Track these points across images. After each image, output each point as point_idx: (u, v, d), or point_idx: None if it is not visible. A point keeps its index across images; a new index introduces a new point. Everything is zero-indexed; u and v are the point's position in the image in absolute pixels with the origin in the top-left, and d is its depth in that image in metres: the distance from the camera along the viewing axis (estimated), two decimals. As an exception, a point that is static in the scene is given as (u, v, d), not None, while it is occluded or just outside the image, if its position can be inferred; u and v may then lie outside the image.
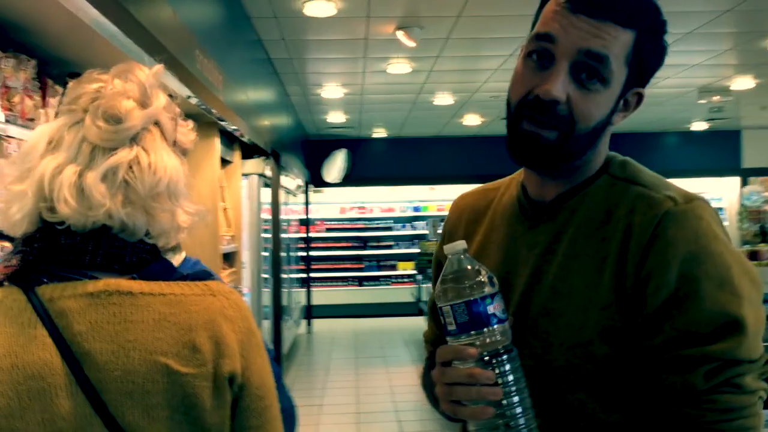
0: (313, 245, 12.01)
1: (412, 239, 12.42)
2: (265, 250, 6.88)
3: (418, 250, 10.14)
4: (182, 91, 3.29)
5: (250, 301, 6.35)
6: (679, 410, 0.94)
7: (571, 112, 1.01)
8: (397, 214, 12.82)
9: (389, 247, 12.66)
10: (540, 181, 1.12)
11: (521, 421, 0.91)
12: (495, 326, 0.92)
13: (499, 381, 0.91)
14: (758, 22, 5.76)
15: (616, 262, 0.99)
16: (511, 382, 0.91)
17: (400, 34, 5.40)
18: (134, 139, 1.03)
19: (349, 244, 12.65)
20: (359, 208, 12.84)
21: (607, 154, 1.13)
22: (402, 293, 11.41)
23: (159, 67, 1.11)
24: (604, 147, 1.11)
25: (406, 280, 12.01)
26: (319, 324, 11.35)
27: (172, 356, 0.97)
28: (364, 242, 12.71)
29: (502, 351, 0.92)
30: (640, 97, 1.08)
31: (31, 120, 2.54)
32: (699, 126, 11.35)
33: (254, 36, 5.53)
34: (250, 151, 6.22)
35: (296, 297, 10.55)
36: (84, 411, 0.94)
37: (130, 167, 1.01)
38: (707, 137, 11.86)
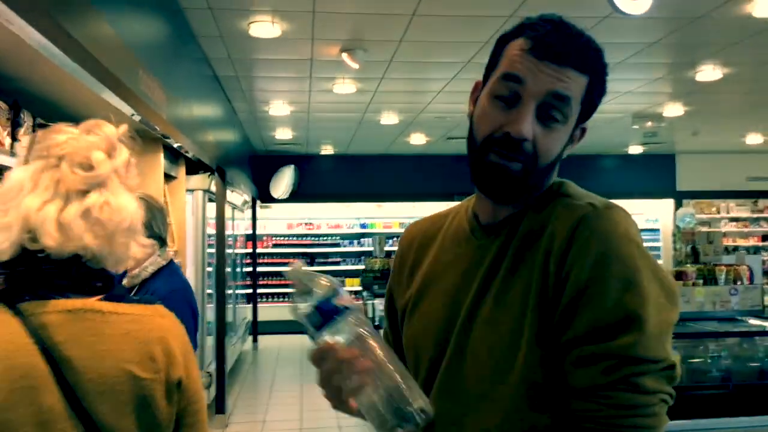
0: (260, 261, 11.99)
1: (359, 256, 12.52)
2: (210, 265, 6.89)
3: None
4: (125, 109, 3.35)
5: (192, 316, 6.35)
6: (581, 405, 1.01)
7: (535, 149, 1.11)
8: (344, 230, 12.92)
9: (337, 263, 12.74)
10: (493, 208, 1.20)
11: (397, 382, 1.01)
12: (345, 314, 1.02)
13: (366, 353, 1.01)
14: (684, 54, 6.09)
15: (542, 265, 1.06)
16: (377, 350, 1.02)
17: (345, 56, 5.54)
18: (101, 184, 1.25)
19: (296, 261, 12.66)
20: (307, 224, 12.90)
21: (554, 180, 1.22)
22: (348, 309, 11.46)
23: (125, 127, 1.35)
24: (553, 175, 1.21)
25: (353, 296, 12.07)
26: (265, 340, 11.32)
27: (135, 364, 1.21)
28: (311, 258, 12.75)
29: (358, 336, 1.03)
30: (583, 131, 1.19)
31: (-29, 135, 2.57)
32: (636, 149, 11.78)
33: (200, 54, 5.59)
34: (195, 167, 6.26)
35: (242, 313, 10.51)
36: (62, 406, 1.15)
37: (102, 208, 1.23)
38: (644, 160, 12.31)
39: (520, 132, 1.09)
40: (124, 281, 2.68)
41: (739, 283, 4.98)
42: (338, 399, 1.05)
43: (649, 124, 8.68)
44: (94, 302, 1.23)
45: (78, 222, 1.20)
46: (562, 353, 1.04)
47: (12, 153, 2.91)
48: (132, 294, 2.60)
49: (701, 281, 4.94)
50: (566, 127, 1.13)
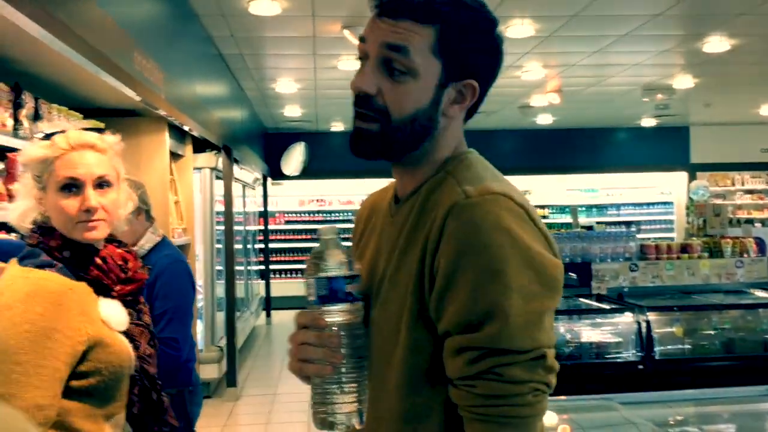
0: (272, 237, 12.09)
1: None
2: (219, 242, 6.98)
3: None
4: (123, 89, 3.40)
5: (203, 293, 6.46)
6: (454, 393, 1.03)
7: (386, 104, 1.10)
8: (356, 206, 12.96)
9: (348, 239, 12.79)
10: (399, 178, 1.21)
11: (353, 386, 1.06)
12: (349, 303, 1.06)
13: (343, 350, 1.05)
14: (692, 25, 6.03)
15: (422, 251, 1.07)
16: (353, 353, 1.06)
17: (347, 33, 5.55)
18: None
19: (309, 237, 12.77)
20: (318, 200, 12.96)
21: (457, 149, 1.18)
22: (361, 285, 11.55)
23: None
24: (448, 141, 1.17)
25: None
26: (278, 315, 11.46)
27: None
28: (323, 235, 12.81)
29: (351, 326, 1.07)
30: (473, 89, 1.14)
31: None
32: (648, 122, 11.68)
33: (203, 33, 5.62)
34: (203, 145, 6.32)
35: (255, 289, 10.64)
36: None
37: None
38: (657, 133, 12.20)
39: (356, 85, 1.11)
40: None
41: (745, 255, 4.98)
42: (295, 361, 1.09)
43: (659, 96, 8.60)
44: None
45: None
46: (439, 342, 1.05)
47: (15, 134, 2.98)
48: None
49: (707, 254, 4.95)
50: (421, 81, 1.10)
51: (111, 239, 1.69)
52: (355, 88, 1.12)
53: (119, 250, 1.69)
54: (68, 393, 1.46)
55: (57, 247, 1.56)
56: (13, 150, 2.98)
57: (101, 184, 1.62)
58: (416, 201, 1.16)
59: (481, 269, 1.00)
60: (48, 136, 1.65)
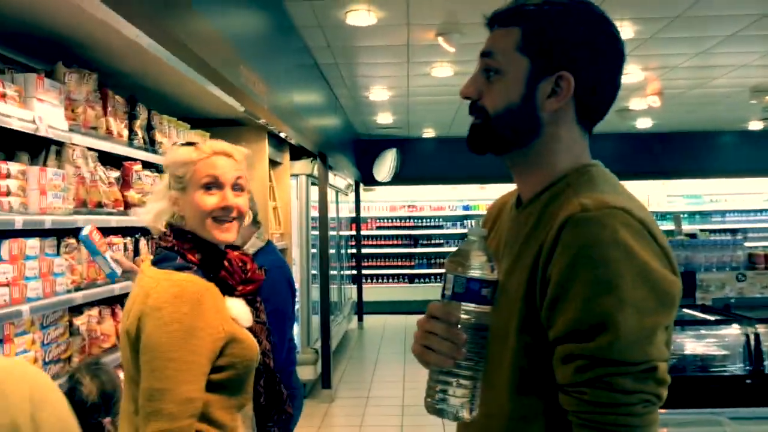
0: (364, 243, 12.26)
1: (462, 238, 12.54)
2: (314, 247, 7.16)
3: (465, 249, 10.26)
4: (229, 101, 3.57)
5: (299, 296, 6.64)
6: (564, 399, 1.06)
7: (484, 103, 1.20)
8: (447, 212, 12.97)
9: (440, 245, 12.82)
10: (519, 182, 1.26)
11: (468, 381, 1.10)
12: (482, 307, 1.10)
13: (465, 348, 1.09)
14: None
15: (534, 260, 1.11)
16: (474, 351, 1.10)
17: (441, 40, 5.58)
18: None
19: (400, 242, 12.87)
20: (410, 206, 13.04)
21: (581, 161, 1.20)
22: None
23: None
24: (564, 146, 1.19)
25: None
26: (370, 320, 11.60)
27: (125, 319, 1.63)
28: (414, 240, 12.90)
29: (478, 327, 1.10)
30: (568, 82, 1.15)
31: (94, 128, 2.83)
32: (756, 125, 11.11)
33: (301, 44, 5.79)
34: (298, 152, 6.51)
35: (348, 293, 10.82)
36: None
37: None
38: (764, 136, 11.58)
39: (461, 92, 1.24)
40: None
41: None
42: (418, 346, 1.14)
43: (768, 98, 8.17)
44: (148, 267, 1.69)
45: None
46: (549, 349, 1.09)
47: (130, 143, 3.18)
48: None
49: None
50: (508, 78, 1.18)
51: (228, 244, 1.80)
52: (461, 95, 1.23)
53: (236, 253, 1.81)
54: (208, 386, 1.59)
55: (189, 250, 1.69)
56: (129, 159, 3.18)
57: (237, 187, 1.75)
58: (535, 209, 1.19)
59: (596, 281, 1.03)
60: (188, 144, 1.80)
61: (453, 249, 9.42)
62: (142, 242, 3.31)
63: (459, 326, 1.09)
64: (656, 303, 1.03)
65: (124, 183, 3.13)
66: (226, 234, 1.72)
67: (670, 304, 1.06)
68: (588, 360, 1.02)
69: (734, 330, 3.71)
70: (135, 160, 3.23)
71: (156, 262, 1.68)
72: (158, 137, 3.53)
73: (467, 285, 1.08)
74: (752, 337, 3.63)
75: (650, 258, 1.05)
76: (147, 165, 3.38)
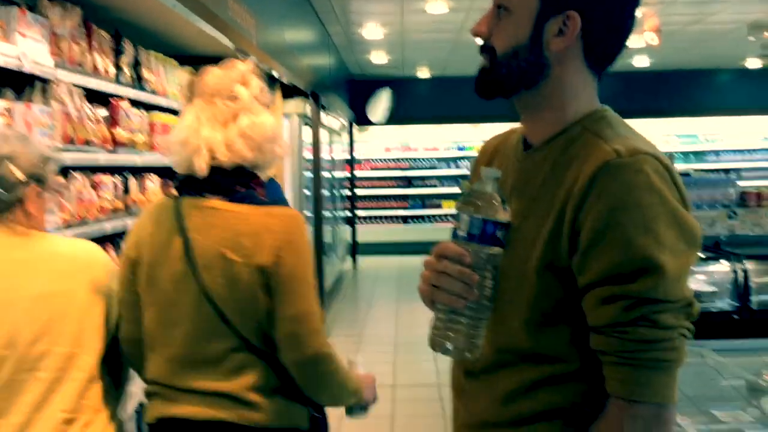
0: (358, 184, 12.25)
1: (456, 178, 12.54)
2: (307, 188, 7.14)
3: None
4: (218, 36, 3.49)
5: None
6: (602, 340, 1.08)
7: (491, 43, 1.19)
8: (441, 153, 12.91)
9: (433, 185, 12.81)
10: (528, 124, 1.25)
11: (476, 322, 1.11)
12: (495, 249, 1.10)
13: (479, 287, 1.10)
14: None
15: (561, 204, 1.11)
16: (485, 293, 1.11)
17: (435, -25, 5.45)
18: (246, 109, 1.66)
19: (394, 183, 12.85)
20: (404, 147, 12.98)
21: (592, 105, 1.20)
22: (445, 232, 11.57)
23: (251, 63, 1.76)
24: (572, 89, 1.19)
25: (449, 219, 12.19)
26: (364, 261, 11.70)
27: (227, 249, 1.60)
28: (408, 181, 12.89)
29: (490, 268, 1.11)
30: (574, 20, 1.14)
31: (80, 65, 2.78)
32: (754, 63, 10.99)
33: (291, -22, 5.65)
34: (290, 92, 6.42)
35: (342, 235, 10.87)
36: (187, 271, 1.62)
37: (251, 127, 1.65)
38: (762, 74, 11.46)
39: (472, 29, 1.22)
40: None
41: None
42: (427, 286, 1.14)
43: (767, 34, 8.05)
44: (215, 201, 1.64)
45: (238, 141, 1.64)
46: (581, 294, 1.10)
47: (117, 80, 3.13)
48: None
49: (813, 202, 4.68)
50: (516, 16, 1.16)
51: None
52: (472, 32, 1.22)
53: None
54: None
55: (258, 187, 1.75)
56: (116, 96, 3.14)
57: None
58: (550, 153, 1.18)
59: (634, 225, 1.05)
60: None
61: (447, 190, 9.42)
62: (132, 181, 3.29)
63: (472, 267, 1.09)
64: (686, 244, 1.08)
65: (112, 121, 3.10)
66: None
67: (697, 244, 1.10)
68: (634, 299, 1.05)
69: (723, 266, 3.75)
70: (122, 97, 3.18)
71: (239, 199, 1.66)
72: (145, 74, 3.47)
73: (483, 227, 1.08)
74: (740, 273, 3.67)
75: (676, 202, 1.08)
76: (134, 103, 3.33)
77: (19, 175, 1.66)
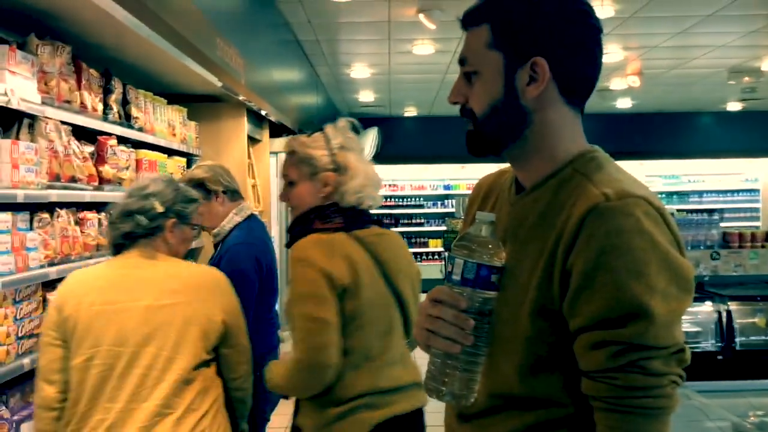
0: (345, 222, 12.19)
1: (442, 217, 12.56)
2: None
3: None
4: (206, 75, 3.53)
5: (279, 274, 6.62)
6: (592, 385, 1.07)
7: (469, 107, 1.22)
8: (428, 192, 12.96)
9: (420, 224, 12.83)
10: (519, 172, 1.26)
11: (471, 367, 1.11)
12: (490, 293, 1.11)
13: (474, 332, 1.10)
14: (783, 3, 5.75)
15: (552, 248, 1.11)
16: (480, 338, 1.11)
17: (422, 17, 5.55)
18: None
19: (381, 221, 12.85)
20: (391, 185, 13.02)
21: (581, 147, 1.21)
22: (433, 270, 11.61)
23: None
24: (557, 132, 1.19)
25: (436, 257, 12.20)
26: (350, 298, 11.59)
27: (407, 260, 2.08)
28: (395, 219, 12.90)
29: (485, 312, 1.11)
30: (542, 66, 1.15)
31: (68, 102, 2.79)
32: (734, 106, 11.21)
33: (280, 19, 5.73)
34: (279, 130, 6.46)
35: (328, 272, 10.75)
36: (386, 288, 1.97)
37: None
38: (743, 117, 11.70)
39: (449, 99, 1.26)
40: (213, 239, 2.90)
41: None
42: (422, 331, 1.14)
43: (746, 79, 8.24)
44: (379, 229, 2.04)
45: (376, 191, 2.06)
46: (573, 338, 1.10)
47: (105, 118, 3.14)
48: (215, 250, 2.83)
49: (793, 243, 4.74)
50: (485, 76, 1.19)
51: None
52: (449, 101, 1.26)
53: None
54: None
55: None
56: (104, 133, 3.15)
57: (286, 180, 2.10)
58: (542, 196, 1.19)
59: (624, 270, 1.04)
60: None
61: (433, 228, 9.40)
62: (118, 218, 3.28)
63: (467, 312, 1.09)
64: (678, 289, 1.06)
65: (99, 158, 3.10)
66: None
67: (689, 288, 1.09)
68: (623, 345, 1.04)
69: (707, 307, 3.78)
70: (110, 134, 3.18)
71: (386, 225, 2.19)
72: (134, 112, 3.49)
73: (477, 271, 1.09)
74: (724, 314, 3.70)
75: (668, 245, 1.07)
76: (122, 140, 3.34)
77: (159, 208, 2.07)
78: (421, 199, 12.95)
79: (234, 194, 2.85)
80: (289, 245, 2.00)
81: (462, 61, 1.22)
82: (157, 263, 2.07)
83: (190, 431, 1.93)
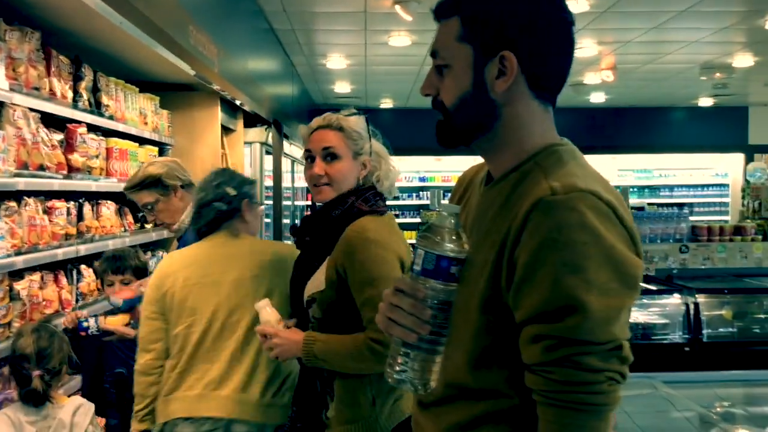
0: (320, 213, 12.15)
1: (418, 209, 12.59)
2: (268, 216, 7.09)
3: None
4: (179, 63, 3.49)
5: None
6: (530, 378, 1.08)
7: (440, 99, 1.24)
8: (403, 184, 12.96)
9: (396, 216, 12.79)
10: (488, 164, 1.27)
11: (429, 356, 1.12)
12: (449, 284, 1.11)
13: (429, 324, 1.10)
14: (754, 1, 5.83)
15: (502, 240, 1.12)
16: (437, 327, 1.11)
17: (398, 8, 5.54)
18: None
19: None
20: (366, 177, 13.00)
21: (548, 139, 1.21)
22: (406, 262, 11.62)
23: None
24: (526, 125, 1.19)
25: (411, 248, 12.21)
26: (324, 290, 11.57)
27: None
28: (370, 211, 12.88)
29: (444, 303, 1.12)
30: (510, 60, 1.16)
31: (36, 89, 2.74)
32: (706, 102, 11.35)
33: (255, 7, 5.68)
34: (253, 120, 6.41)
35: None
36: None
37: None
38: (714, 113, 11.85)
39: (421, 91, 1.28)
40: (174, 234, 2.88)
41: (800, 239, 4.85)
42: (383, 318, 1.16)
43: (718, 75, 8.35)
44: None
45: None
46: (516, 329, 1.11)
47: (74, 105, 3.09)
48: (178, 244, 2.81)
49: (761, 237, 4.83)
50: (456, 69, 1.20)
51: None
52: (421, 93, 1.27)
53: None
54: None
55: None
56: (73, 121, 3.10)
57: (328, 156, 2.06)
58: (503, 188, 1.20)
59: (563, 264, 1.05)
60: None
61: (408, 220, 9.44)
62: (86, 207, 3.24)
63: (425, 302, 1.10)
64: (620, 284, 1.06)
65: (68, 146, 3.05)
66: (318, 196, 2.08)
67: (633, 285, 1.09)
68: (556, 340, 1.04)
69: (675, 299, 3.84)
70: (80, 122, 3.14)
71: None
72: (105, 100, 3.44)
73: (437, 262, 1.09)
74: (692, 306, 3.76)
75: (616, 240, 1.07)
76: (92, 128, 3.29)
77: (233, 192, 2.35)
78: (397, 190, 12.94)
79: (191, 187, 2.82)
80: (326, 226, 1.99)
81: (434, 54, 1.24)
82: (241, 241, 2.36)
83: (276, 391, 2.23)
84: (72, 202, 3.10)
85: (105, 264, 2.92)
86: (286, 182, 8.02)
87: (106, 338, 2.74)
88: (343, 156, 2.02)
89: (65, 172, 2.97)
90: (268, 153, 6.88)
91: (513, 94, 1.18)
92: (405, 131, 11.80)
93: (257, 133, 6.47)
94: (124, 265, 2.89)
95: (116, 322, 2.71)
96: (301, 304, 2.03)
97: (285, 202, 7.81)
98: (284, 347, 1.94)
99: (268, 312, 2.00)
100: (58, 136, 2.97)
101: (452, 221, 1.12)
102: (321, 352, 1.90)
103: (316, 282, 1.98)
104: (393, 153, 2.15)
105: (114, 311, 2.82)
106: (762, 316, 4.10)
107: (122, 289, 2.84)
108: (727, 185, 12.44)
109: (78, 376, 2.84)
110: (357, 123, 2.06)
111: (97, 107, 3.35)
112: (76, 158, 3.06)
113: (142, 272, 2.94)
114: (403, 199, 12.91)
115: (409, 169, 12.87)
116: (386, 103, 11.56)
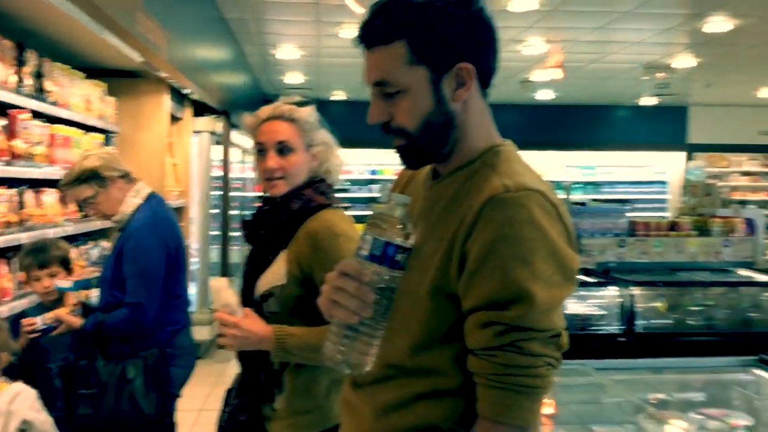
0: (270, 204, 12.07)
1: (368, 202, 12.63)
2: (216, 207, 7.04)
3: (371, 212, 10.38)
4: (126, 50, 3.45)
5: (197, 257, 6.54)
6: (474, 362, 1.14)
7: (399, 124, 1.22)
8: (354, 176, 12.99)
9: (346, 208, 12.78)
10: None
11: (369, 339, 1.16)
12: (394, 271, 1.14)
13: (373, 307, 1.14)
14: (694, 4, 6.04)
15: (454, 232, 1.17)
16: (379, 311, 1.15)
17: (349, 1, 5.54)
18: None
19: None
20: (317, 169, 12.97)
21: (493, 140, 1.26)
22: (356, 254, 11.63)
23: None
24: (473, 127, 1.24)
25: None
26: (273, 281, 11.51)
27: None
28: (320, 203, 12.86)
29: (387, 289, 1.15)
30: (468, 70, 1.20)
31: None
32: (648, 101, 11.68)
33: (206, -5, 5.63)
34: (202, 109, 6.35)
35: (251, 254, 10.64)
36: None
37: None
38: (656, 112, 12.19)
39: (370, 120, 1.24)
40: (116, 225, 2.83)
41: (733, 235, 5.05)
42: (326, 300, 1.18)
43: (660, 75, 8.61)
44: None
45: None
46: (463, 319, 1.17)
47: (18, 91, 3.03)
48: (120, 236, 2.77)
49: (696, 233, 5.02)
50: (414, 91, 1.19)
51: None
52: (370, 122, 1.23)
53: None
54: None
55: None
56: (16, 107, 3.04)
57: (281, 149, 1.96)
58: (452, 183, 1.25)
59: (513, 257, 1.11)
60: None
61: (359, 213, 9.43)
62: (28, 194, 3.18)
63: (369, 286, 1.13)
64: (562, 277, 1.14)
65: (10, 132, 2.99)
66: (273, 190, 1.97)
67: (572, 278, 1.16)
68: (505, 326, 1.11)
69: (612, 292, 3.97)
70: (23, 108, 3.08)
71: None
72: (49, 86, 3.38)
73: (384, 249, 1.12)
74: (627, 298, 3.90)
75: (558, 237, 1.14)
76: (36, 115, 3.23)
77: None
78: (348, 183, 12.97)
79: (129, 177, 2.78)
80: (284, 220, 1.92)
81: (380, 83, 1.20)
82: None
83: None
84: (14, 190, 3.04)
85: (29, 259, 2.79)
86: (234, 172, 7.96)
87: (56, 332, 2.67)
88: (297, 149, 1.97)
89: (7, 158, 2.91)
90: (217, 143, 6.83)
91: (468, 100, 1.23)
92: (356, 124, 11.75)
93: (206, 123, 6.42)
94: (48, 257, 2.78)
95: (61, 313, 2.66)
96: (252, 297, 1.93)
97: (234, 193, 7.76)
98: (245, 340, 1.79)
99: (228, 294, 1.81)
100: (1, 122, 2.91)
101: (401, 211, 1.15)
102: (295, 347, 1.81)
103: (273, 276, 1.91)
104: (343, 145, 2.13)
105: (57, 301, 2.79)
106: (695, 308, 4.27)
107: (63, 277, 2.78)
108: (667, 182, 12.84)
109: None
110: (310, 114, 2.02)
111: (41, 93, 3.29)
112: (19, 145, 3.01)
113: (66, 261, 2.84)
114: (354, 192, 12.93)
115: (360, 162, 12.90)
116: (338, 95, 11.55)
